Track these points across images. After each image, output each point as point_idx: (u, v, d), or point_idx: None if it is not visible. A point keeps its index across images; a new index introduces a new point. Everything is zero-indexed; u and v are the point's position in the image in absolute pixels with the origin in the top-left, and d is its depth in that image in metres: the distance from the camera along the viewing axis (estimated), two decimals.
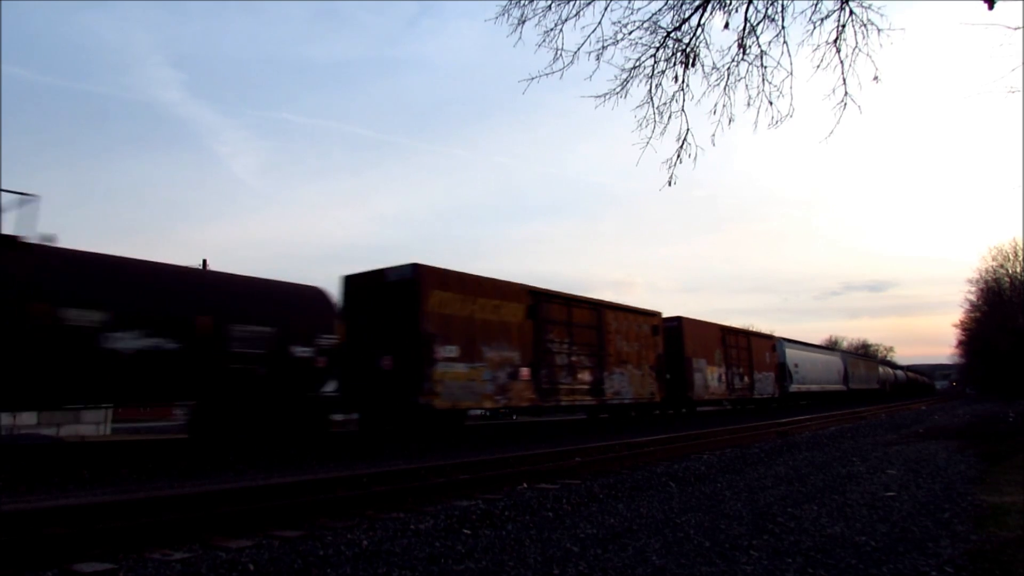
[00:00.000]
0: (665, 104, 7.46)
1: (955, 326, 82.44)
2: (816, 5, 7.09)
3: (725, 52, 7.46)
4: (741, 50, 7.26)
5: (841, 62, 7.00)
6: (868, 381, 55.08)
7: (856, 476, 8.49)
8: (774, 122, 7.33)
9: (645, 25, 7.24)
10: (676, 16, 7.29)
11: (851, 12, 6.90)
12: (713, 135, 7.50)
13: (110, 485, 8.18)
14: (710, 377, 26.20)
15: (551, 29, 7.12)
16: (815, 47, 7.09)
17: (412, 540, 5.07)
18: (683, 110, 7.47)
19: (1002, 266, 56.96)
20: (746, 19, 7.19)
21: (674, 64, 7.36)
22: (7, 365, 9.12)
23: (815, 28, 7.08)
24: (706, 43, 7.45)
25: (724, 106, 7.45)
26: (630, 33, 7.21)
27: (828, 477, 8.42)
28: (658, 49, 7.34)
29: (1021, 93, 7.91)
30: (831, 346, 48.89)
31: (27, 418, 18.84)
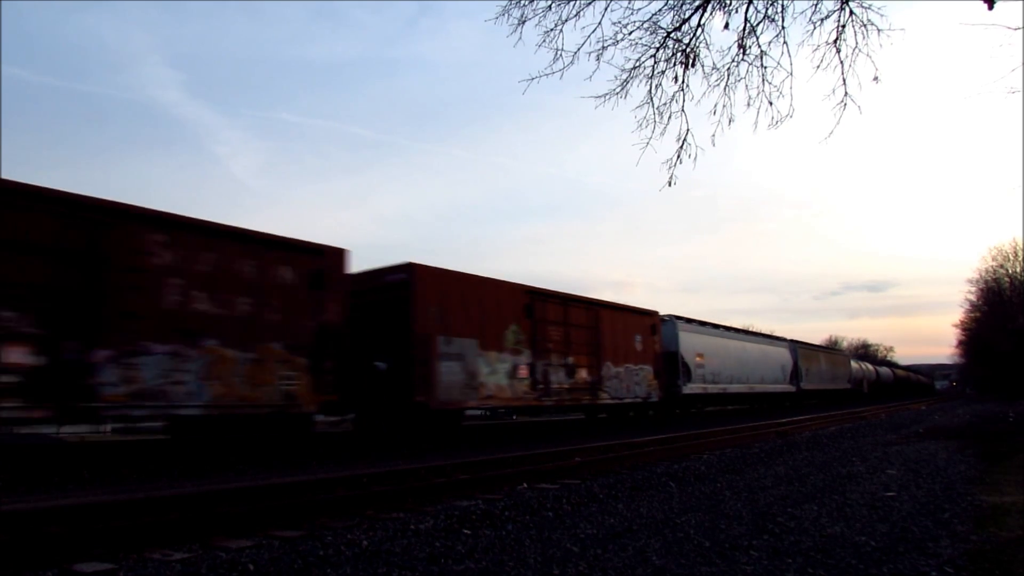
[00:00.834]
0: (665, 104, 7.47)
1: (955, 326, 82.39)
2: (816, 5, 7.10)
3: (725, 52, 7.48)
4: (741, 50, 7.27)
5: (841, 62, 7.01)
6: (833, 379, 44.54)
7: (856, 476, 8.49)
8: (774, 122, 7.34)
9: (645, 25, 7.25)
10: (676, 16, 7.30)
11: (851, 12, 6.91)
12: (713, 135, 7.52)
13: (110, 485, 8.18)
14: (486, 370, 15.69)
15: (551, 29, 7.14)
16: (815, 47, 7.10)
17: (412, 540, 5.07)
18: (683, 110, 7.48)
19: (1002, 266, 56.98)
20: (746, 19, 7.20)
21: (674, 64, 7.37)
22: None
23: (815, 28, 7.09)
24: (706, 43, 7.46)
25: (724, 106, 7.46)
26: (630, 33, 7.22)
27: (828, 477, 8.42)
28: (658, 49, 7.34)
29: (1021, 93, 7.92)
30: (774, 335, 37.47)
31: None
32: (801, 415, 25.38)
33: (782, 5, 7.10)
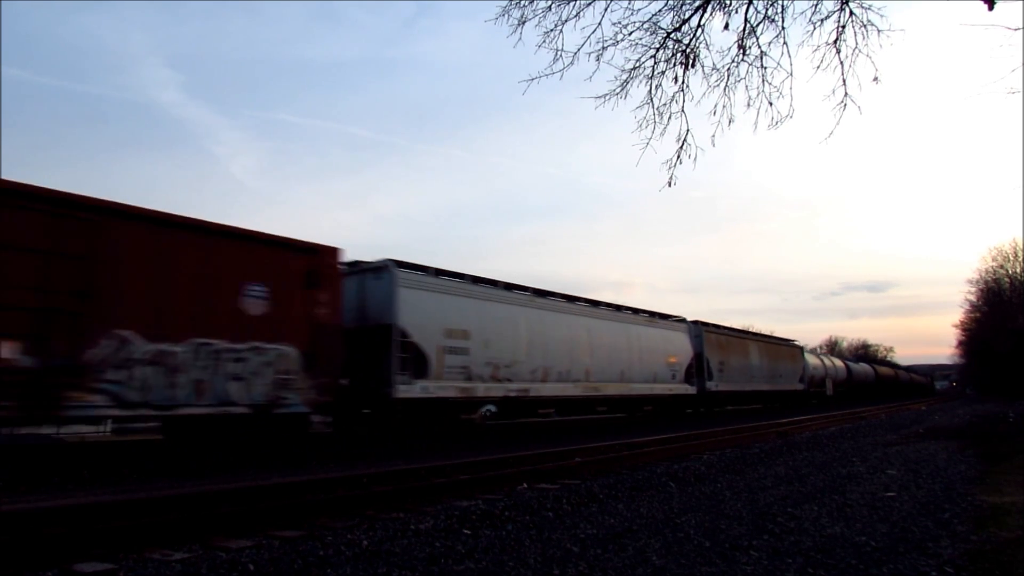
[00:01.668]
0: (665, 105, 7.46)
1: (955, 326, 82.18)
2: (816, 6, 7.10)
3: (725, 53, 7.47)
4: (741, 51, 7.26)
5: (841, 63, 7.01)
6: (772, 378, 32.87)
7: (856, 476, 8.49)
8: (774, 123, 7.33)
9: (645, 26, 7.25)
10: (676, 17, 7.29)
11: (851, 13, 6.91)
12: (713, 136, 7.51)
13: (110, 485, 8.18)
14: None
15: (551, 30, 7.13)
16: (815, 48, 7.10)
17: (412, 540, 5.07)
18: (683, 111, 7.47)
19: (1002, 266, 56.94)
20: (746, 20, 7.19)
21: (674, 65, 7.36)
22: None
23: (815, 29, 7.08)
24: (706, 44, 7.45)
25: (724, 107, 7.45)
26: (630, 34, 7.21)
27: (828, 477, 8.42)
28: (658, 50, 7.34)
29: (1021, 94, 7.90)
30: (663, 314, 24.87)
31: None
32: (801, 415, 25.19)
33: (782, 6, 7.10)
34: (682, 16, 7.27)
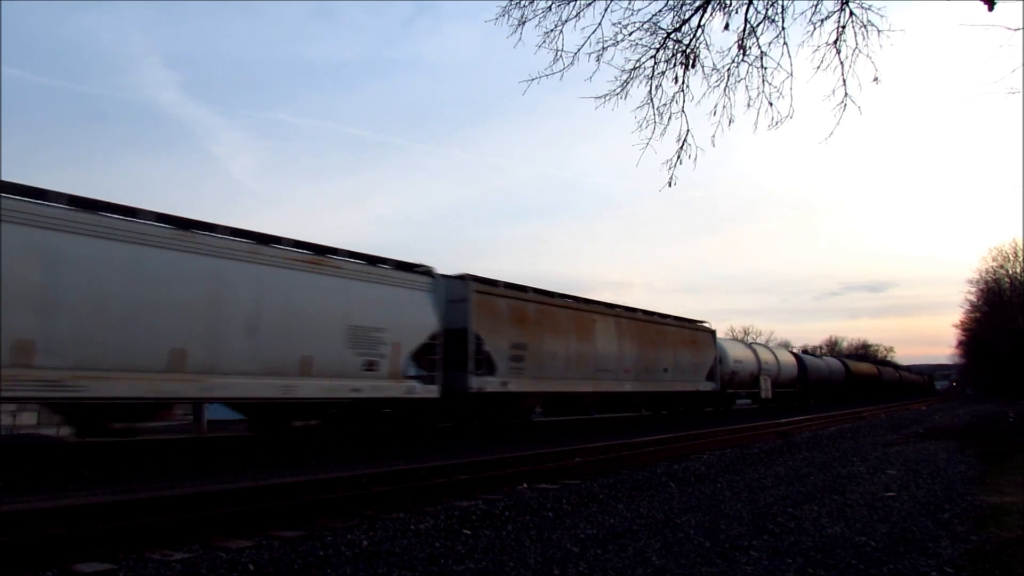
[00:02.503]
0: (665, 105, 7.46)
1: (955, 326, 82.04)
2: (816, 6, 7.10)
3: (725, 53, 7.47)
4: (741, 51, 7.26)
5: (841, 63, 7.01)
6: (645, 373, 21.93)
7: (856, 476, 8.50)
8: (774, 123, 7.33)
9: (645, 26, 7.24)
10: (676, 17, 7.29)
11: (851, 13, 6.91)
12: (713, 136, 7.50)
13: (110, 485, 8.18)
14: None
15: (551, 30, 7.13)
16: (815, 48, 7.09)
17: (412, 540, 5.07)
18: (683, 111, 7.47)
19: (1002, 266, 56.88)
20: (746, 20, 7.19)
21: (674, 65, 7.36)
22: None
23: (815, 29, 7.08)
24: (706, 44, 7.45)
25: (724, 107, 7.45)
26: (630, 34, 7.21)
27: (828, 477, 8.42)
28: (658, 50, 7.34)
29: (1021, 94, 7.89)
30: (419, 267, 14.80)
31: (27, 418, 18.80)
32: (801, 415, 24.87)
33: (782, 6, 7.10)
34: (682, 16, 7.27)
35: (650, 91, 7.42)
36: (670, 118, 7.45)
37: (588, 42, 7.13)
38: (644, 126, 7.49)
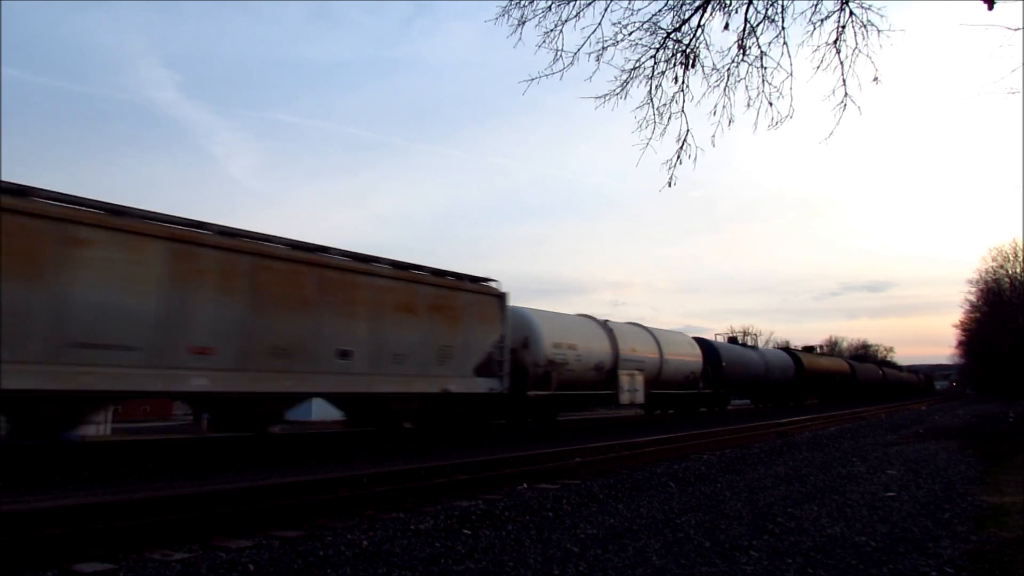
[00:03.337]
0: (665, 105, 7.45)
1: (955, 326, 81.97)
2: (816, 6, 7.09)
3: (725, 53, 7.46)
4: (741, 51, 7.25)
5: (841, 63, 7.00)
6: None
7: (856, 476, 8.50)
8: (774, 123, 7.32)
9: (645, 26, 7.24)
10: (676, 17, 7.28)
11: (851, 13, 6.90)
12: (713, 136, 7.50)
13: (110, 485, 8.18)
14: None
15: (551, 30, 7.12)
16: (815, 48, 7.09)
17: (412, 540, 5.07)
18: (683, 111, 7.46)
19: (1002, 266, 56.85)
20: (746, 20, 7.18)
21: (674, 65, 7.35)
22: None
23: (815, 29, 7.07)
24: (706, 44, 7.44)
25: (724, 107, 7.45)
26: (630, 34, 7.21)
27: (828, 477, 8.42)
28: (658, 50, 7.33)
29: (1021, 94, 7.88)
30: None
31: None
32: (801, 415, 24.91)
33: (782, 6, 7.10)
34: (682, 16, 7.26)
35: (650, 91, 7.42)
36: (670, 118, 7.45)
37: (588, 42, 7.12)
38: (644, 126, 7.49)
